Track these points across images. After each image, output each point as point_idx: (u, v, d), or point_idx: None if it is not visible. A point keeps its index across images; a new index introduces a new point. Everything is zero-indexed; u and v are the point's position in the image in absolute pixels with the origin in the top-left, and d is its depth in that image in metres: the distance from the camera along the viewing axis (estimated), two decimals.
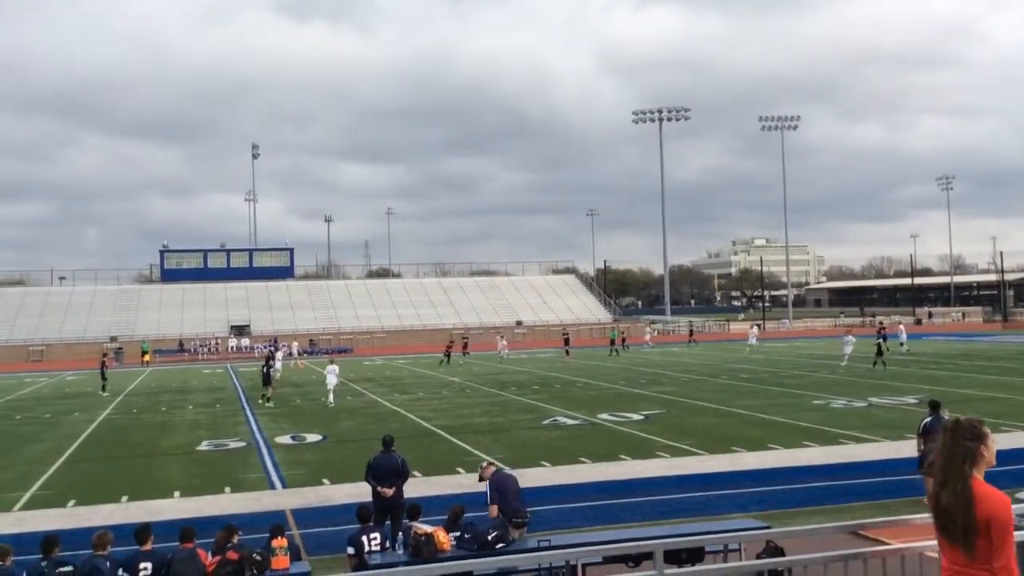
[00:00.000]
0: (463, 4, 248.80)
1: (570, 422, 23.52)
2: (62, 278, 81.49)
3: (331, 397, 29.84)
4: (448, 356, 47.38)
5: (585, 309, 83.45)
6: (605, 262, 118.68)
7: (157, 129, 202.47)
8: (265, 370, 31.42)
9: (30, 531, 12.67)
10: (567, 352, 51.11)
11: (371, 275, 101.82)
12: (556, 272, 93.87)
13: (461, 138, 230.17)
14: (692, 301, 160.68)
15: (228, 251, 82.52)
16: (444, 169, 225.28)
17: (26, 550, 9.80)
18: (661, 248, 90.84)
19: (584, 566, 8.86)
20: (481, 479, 11.05)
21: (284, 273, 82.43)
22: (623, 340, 55.04)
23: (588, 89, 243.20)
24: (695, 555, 8.57)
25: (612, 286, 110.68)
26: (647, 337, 59.99)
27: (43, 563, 8.60)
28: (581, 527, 12.43)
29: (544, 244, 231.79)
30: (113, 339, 66.67)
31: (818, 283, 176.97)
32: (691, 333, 66.11)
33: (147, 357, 57.38)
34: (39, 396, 36.40)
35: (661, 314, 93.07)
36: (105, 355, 37.89)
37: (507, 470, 11.17)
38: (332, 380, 29.98)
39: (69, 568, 8.42)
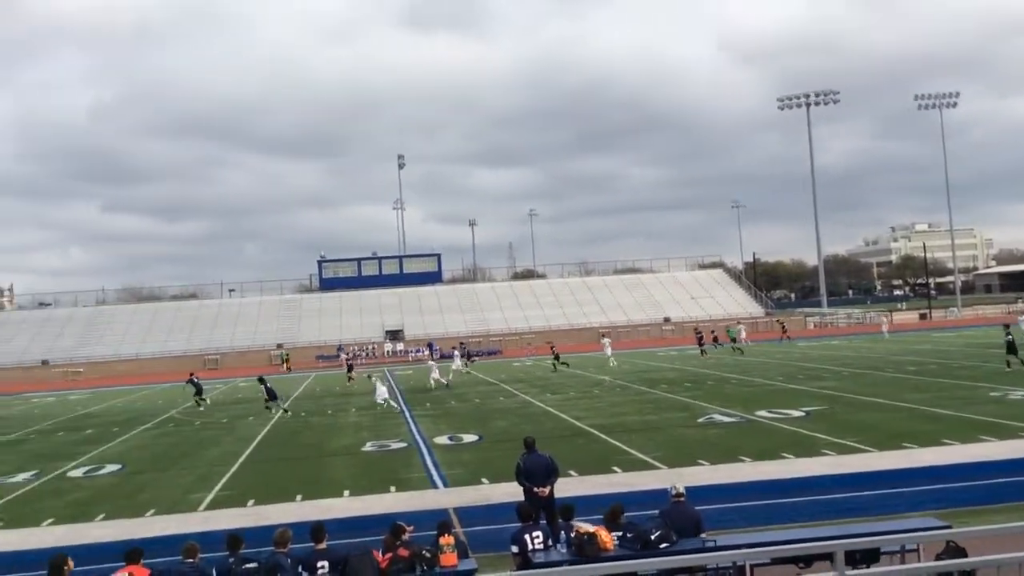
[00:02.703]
0: (578, 3, 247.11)
1: (726, 419, 23.03)
2: (231, 290, 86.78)
3: (379, 401, 30.41)
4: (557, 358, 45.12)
5: (735, 304, 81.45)
6: (754, 255, 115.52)
7: (300, 146, 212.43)
8: (268, 386, 31.83)
9: (215, 529, 13.53)
10: (703, 352, 48.63)
11: (516, 277, 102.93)
12: (703, 267, 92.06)
13: (590, 137, 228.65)
14: (850, 291, 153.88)
15: (380, 259, 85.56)
16: (576, 169, 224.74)
17: (212, 548, 10.43)
18: (812, 238, 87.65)
19: (752, 567, 8.68)
20: None
21: (433, 278, 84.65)
22: (714, 338, 53.27)
23: (715, 78, 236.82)
24: (869, 556, 8.24)
25: (762, 279, 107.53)
26: (742, 336, 55.51)
27: (230, 560, 9.17)
28: (744, 527, 12.16)
29: (684, 239, 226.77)
30: (279, 346, 70.31)
31: (987, 268, 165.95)
32: (784, 330, 61.70)
33: (287, 365, 60.22)
34: (216, 401, 38.78)
35: (817, 306, 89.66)
36: (192, 374, 38.76)
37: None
38: (383, 391, 30.74)
39: (254, 565, 8.93)
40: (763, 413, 23.53)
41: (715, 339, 53.95)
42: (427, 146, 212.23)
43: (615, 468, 17.26)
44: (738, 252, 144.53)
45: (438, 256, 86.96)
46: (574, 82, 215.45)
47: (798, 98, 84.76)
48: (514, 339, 72.23)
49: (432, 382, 36.04)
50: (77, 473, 21.01)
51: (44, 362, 70.00)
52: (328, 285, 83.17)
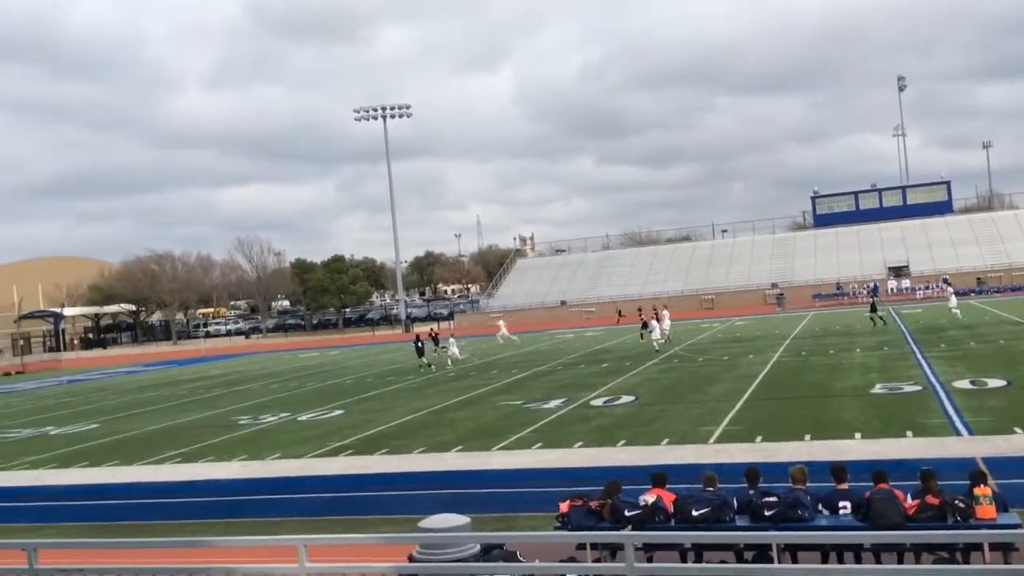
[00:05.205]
0: None
1: None
2: (723, 231, 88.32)
3: (450, 362, 35.87)
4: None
5: None
6: None
7: (781, 81, 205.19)
8: (420, 344, 36.36)
9: (727, 462, 14.06)
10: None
11: None
12: None
13: None
14: None
15: (879, 191, 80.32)
16: None
17: (725, 479, 10.75)
18: None
19: None
20: None
21: (941, 208, 77.09)
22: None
23: None
24: None
25: None
26: None
27: (750, 492, 9.44)
28: None
29: None
30: (774, 285, 70.00)
31: None
32: None
33: (620, 317, 60.05)
34: (714, 340, 39.98)
35: None
36: (423, 333, 39.52)
37: None
38: (455, 351, 36.57)
39: (774, 498, 9.08)
40: None
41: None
42: (921, 65, 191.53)
43: None
44: None
45: (947, 184, 78.81)
46: None
47: None
48: None
49: (655, 344, 36.49)
50: (598, 402, 23.22)
51: (562, 302, 78.34)
52: (822, 221, 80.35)
